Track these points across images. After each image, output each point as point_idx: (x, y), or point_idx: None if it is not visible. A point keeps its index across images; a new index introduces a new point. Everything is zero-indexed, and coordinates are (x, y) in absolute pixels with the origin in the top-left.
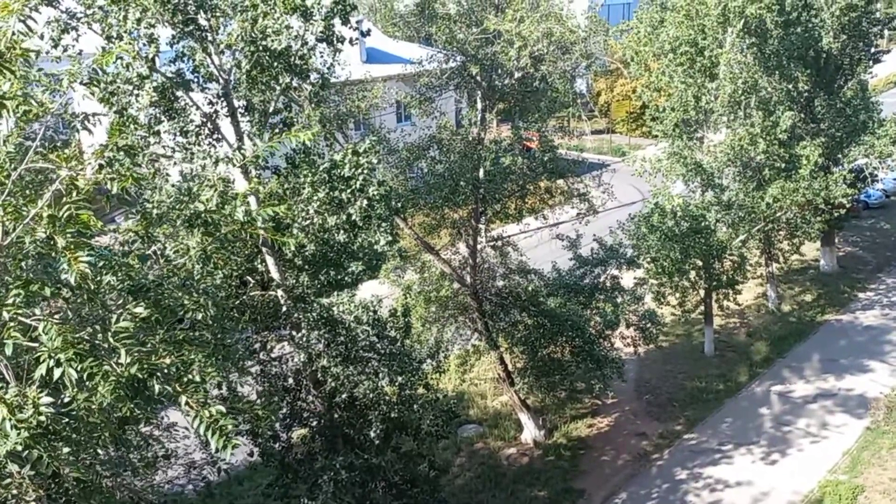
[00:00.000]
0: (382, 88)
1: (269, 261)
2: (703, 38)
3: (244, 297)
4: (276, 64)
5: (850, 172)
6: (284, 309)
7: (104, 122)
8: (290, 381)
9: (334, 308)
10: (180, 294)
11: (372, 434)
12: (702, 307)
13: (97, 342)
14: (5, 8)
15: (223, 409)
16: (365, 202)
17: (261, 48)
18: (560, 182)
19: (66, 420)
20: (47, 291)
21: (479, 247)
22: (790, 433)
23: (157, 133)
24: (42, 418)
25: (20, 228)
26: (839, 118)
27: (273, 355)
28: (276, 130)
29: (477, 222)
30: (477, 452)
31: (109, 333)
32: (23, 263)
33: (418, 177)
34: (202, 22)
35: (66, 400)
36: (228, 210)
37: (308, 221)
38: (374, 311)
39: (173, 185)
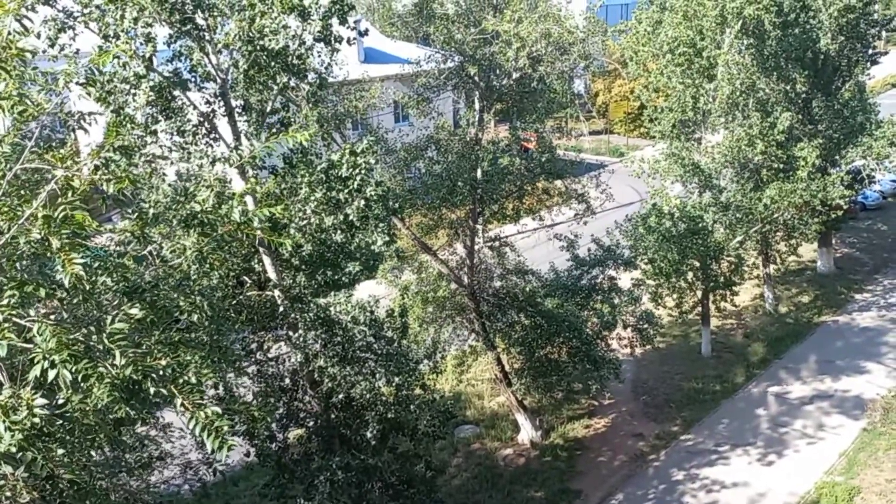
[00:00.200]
0: (380, 88)
1: (266, 261)
2: (702, 38)
3: (241, 297)
4: (273, 63)
5: (848, 174)
6: (281, 309)
7: (100, 121)
8: (287, 381)
9: (331, 308)
10: (176, 295)
11: (369, 434)
12: (699, 308)
13: (92, 343)
14: (1, 7)
15: (219, 410)
16: (362, 202)
17: (258, 48)
18: (558, 183)
19: (61, 422)
20: (42, 292)
21: (476, 247)
22: (787, 434)
23: (154, 132)
24: (36, 420)
25: (15, 229)
26: (837, 119)
27: (270, 355)
28: (274, 130)
29: (474, 223)
30: (474, 453)
31: (104, 335)
32: (17, 264)
33: (416, 177)
34: (199, 21)
35: (61, 401)
36: (225, 210)
37: (305, 221)
38: (371, 312)
39: (170, 185)
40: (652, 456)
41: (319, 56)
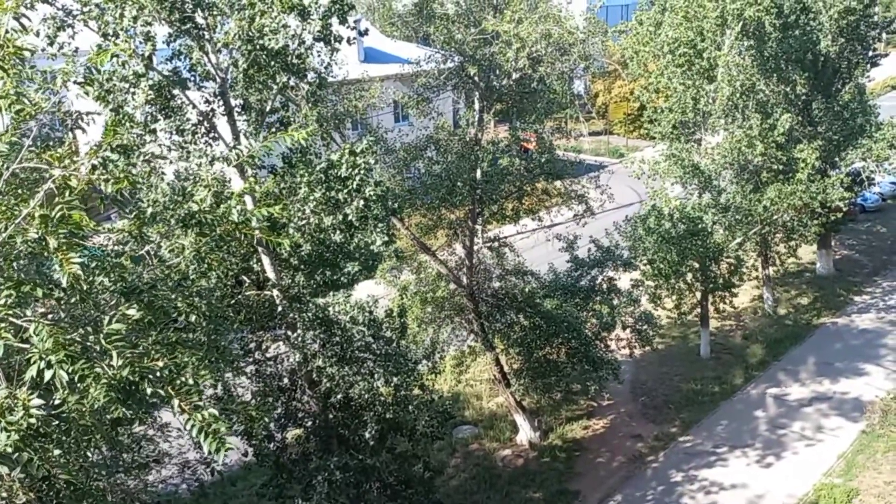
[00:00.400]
0: (380, 88)
1: (265, 260)
2: (702, 39)
3: (239, 296)
4: (273, 63)
5: (847, 176)
6: (280, 309)
7: (98, 120)
8: (286, 381)
9: (330, 308)
10: (174, 296)
11: (367, 435)
12: (698, 309)
13: (89, 344)
14: (0, 5)
15: (216, 412)
16: (361, 202)
17: (258, 47)
18: (557, 183)
19: (57, 422)
20: (39, 292)
21: (475, 248)
22: (785, 436)
23: (153, 131)
24: (32, 420)
25: (12, 228)
26: (837, 121)
27: (268, 355)
28: (273, 130)
29: (474, 223)
30: (472, 454)
31: (101, 335)
32: (14, 264)
33: (415, 177)
34: (199, 20)
35: (57, 402)
36: (223, 210)
37: (304, 221)
38: (370, 312)
39: (168, 185)
40: (650, 457)
41: (319, 55)
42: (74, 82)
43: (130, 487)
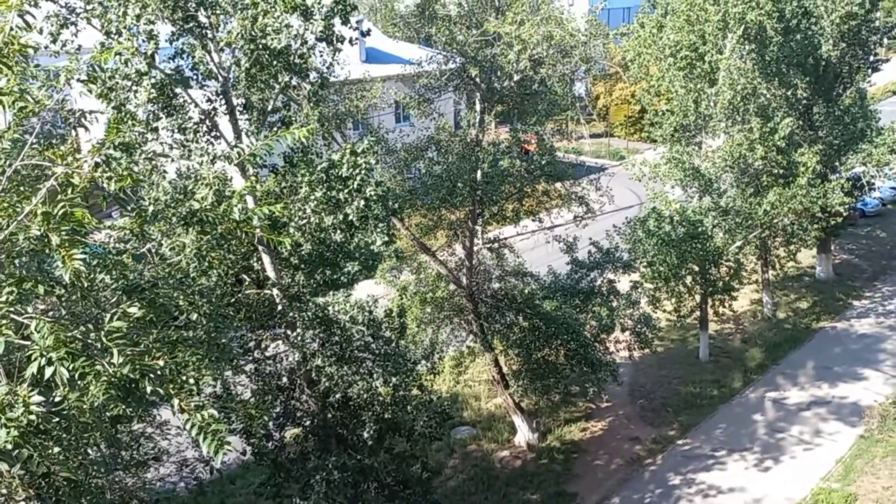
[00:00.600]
0: (381, 88)
1: (266, 259)
2: (704, 43)
3: (239, 295)
4: (275, 62)
5: (848, 180)
6: (280, 308)
7: (101, 118)
8: (285, 380)
9: (330, 308)
10: (175, 294)
11: (365, 434)
12: (697, 312)
13: (90, 341)
14: (3, 3)
15: (216, 413)
16: (362, 202)
17: (260, 46)
18: (558, 185)
19: (57, 419)
20: (41, 289)
21: (475, 248)
22: (783, 440)
23: (155, 130)
24: (32, 417)
25: (14, 225)
26: (837, 126)
27: (267, 354)
28: (275, 129)
29: (474, 224)
30: (470, 454)
31: (102, 333)
32: (16, 261)
33: (416, 177)
34: (202, 19)
35: (58, 399)
36: (224, 208)
37: (305, 220)
38: (370, 312)
39: (170, 183)
40: (648, 460)
41: (321, 55)
42: (77, 80)
43: (129, 485)
